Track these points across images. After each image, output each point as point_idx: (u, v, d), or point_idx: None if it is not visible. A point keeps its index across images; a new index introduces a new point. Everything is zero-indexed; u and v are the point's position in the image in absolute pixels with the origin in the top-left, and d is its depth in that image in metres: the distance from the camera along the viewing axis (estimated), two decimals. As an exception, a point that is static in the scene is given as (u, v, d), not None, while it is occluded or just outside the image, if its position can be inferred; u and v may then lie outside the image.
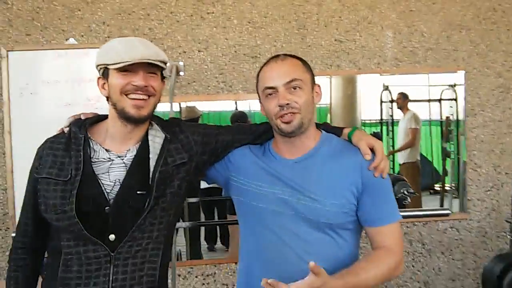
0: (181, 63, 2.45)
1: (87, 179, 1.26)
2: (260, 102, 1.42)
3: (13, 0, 2.51)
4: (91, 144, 1.33)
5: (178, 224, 2.22)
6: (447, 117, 2.80)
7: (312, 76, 1.40)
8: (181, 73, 2.46)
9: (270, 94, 1.33)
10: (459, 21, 2.65)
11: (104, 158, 1.31)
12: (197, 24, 2.57)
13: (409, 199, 2.55)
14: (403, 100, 2.80)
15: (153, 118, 1.40)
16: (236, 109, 2.67)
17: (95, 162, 1.30)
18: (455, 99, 2.74)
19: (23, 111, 2.51)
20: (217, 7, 2.57)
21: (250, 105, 2.65)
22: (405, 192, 2.54)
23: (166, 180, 1.31)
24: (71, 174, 1.26)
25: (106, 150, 1.32)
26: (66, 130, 1.36)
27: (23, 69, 2.51)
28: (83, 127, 1.34)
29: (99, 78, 1.35)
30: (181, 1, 2.56)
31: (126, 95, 1.27)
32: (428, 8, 2.63)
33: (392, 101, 2.82)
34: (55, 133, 1.40)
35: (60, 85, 2.55)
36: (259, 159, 1.42)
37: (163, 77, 1.41)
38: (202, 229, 2.82)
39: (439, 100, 2.83)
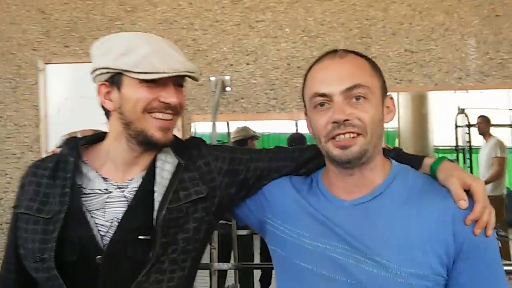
0: (227, 77, 2.22)
1: (74, 217, 1.00)
2: (306, 114, 1.10)
3: (50, 10, 2.38)
4: (84, 170, 1.07)
5: (217, 266, 1.95)
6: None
7: (383, 83, 1.06)
8: (228, 89, 2.23)
9: (320, 105, 1.00)
10: (559, 26, 2.21)
11: (100, 189, 1.05)
12: (245, 34, 2.31)
13: (499, 243, 2.14)
14: (485, 125, 2.43)
15: None
16: (297, 131, 2.37)
17: (88, 194, 1.05)
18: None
19: (61, 128, 2.36)
20: (267, 14, 2.30)
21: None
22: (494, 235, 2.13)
23: (178, 222, 1.04)
24: (54, 211, 1.00)
25: (103, 178, 1.06)
26: (58, 151, 1.12)
27: (61, 83, 2.39)
28: (75, 147, 1.08)
29: (101, 84, 1.07)
30: (227, 9, 2.32)
31: (149, 113, 1.03)
32: (519, 12, 2.22)
33: (469, 126, 2.45)
34: (45, 155, 1.17)
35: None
36: (303, 198, 1.10)
37: None
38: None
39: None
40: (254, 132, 2.46)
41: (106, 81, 1.05)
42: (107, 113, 1.10)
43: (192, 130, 2.30)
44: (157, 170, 1.07)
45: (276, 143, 2.39)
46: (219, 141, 2.22)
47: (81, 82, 2.42)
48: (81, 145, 1.11)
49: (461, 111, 2.46)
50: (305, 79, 1.10)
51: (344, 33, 2.27)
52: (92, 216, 1.03)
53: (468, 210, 0.94)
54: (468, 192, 0.96)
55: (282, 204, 1.13)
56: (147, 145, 1.06)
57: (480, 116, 2.44)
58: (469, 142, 2.51)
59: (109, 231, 1.02)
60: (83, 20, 2.38)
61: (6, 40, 2.38)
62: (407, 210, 0.98)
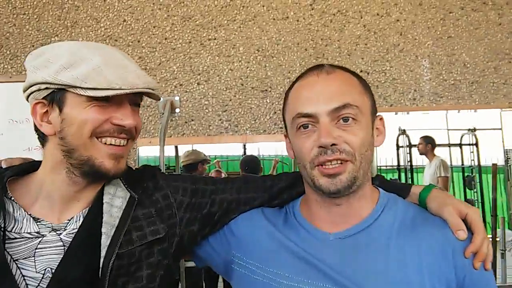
0: (176, 98, 2.10)
1: None
2: (287, 137, 0.99)
3: (-21, 23, 2.16)
4: (10, 209, 0.88)
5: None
6: (494, 164, 2.42)
7: (373, 102, 0.95)
8: (177, 110, 2.10)
9: (304, 127, 0.90)
10: (507, 49, 2.28)
11: (29, 233, 0.87)
12: (196, 52, 2.20)
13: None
14: (426, 145, 2.47)
15: None
16: (245, 153, 2.24)
17: (14, 239, 0.86)
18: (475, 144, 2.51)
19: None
20: (220, 32, 2.21)
21: (260, 149, 2.24)
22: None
23: (129, 269, 0.87)
24: None
25: (34, 219, 0.88)
26: None
27: (-12, 105, 2.15)
28: None
29: (37, 103, 0.89)
30: (177, 25, 2.21)
31: (98, 138, 0.87)
32: (470, 34, 2.27)
33: (410, 146, 2.48)
34: None
35: (32, 125, 2.19)
36: (279, 231, 0.97)
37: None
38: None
39: (460, 145, 2.56)
40: (204, 155, 2.32)
41: (43, 99, 0.88)
42: (43, 138, 0.92)
43: (136, 154, 2.12)
44: (105, 207, 0.90)
45: (229, 167, 2.26)
46: (166, 165, 2.05)
47: (11, 104, 2.20)
48: (7, 177, 0.91)
49: (403, 132, 2.47)
50: (286, 97, 0.99)
51: (299, 53, 2.21)
52: (18, 267, 0.84)
53: (467, 241, 0.87)
54: (465, 222, 0.89)
55: (254, 239, 0.99)
56: (94, 176, 0.89)
57: (422, 137, 2.46)
58: (410, 162, 2.53)
59: (41, 284, 0.83)
60: (15, 36, 2.18)
61: None
62: (400, 243, 0.88)
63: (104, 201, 0.91)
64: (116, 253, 0.85)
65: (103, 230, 0.87)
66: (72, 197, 0.91)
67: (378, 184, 1.00)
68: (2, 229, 0.85)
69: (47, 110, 0.88)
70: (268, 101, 2.17)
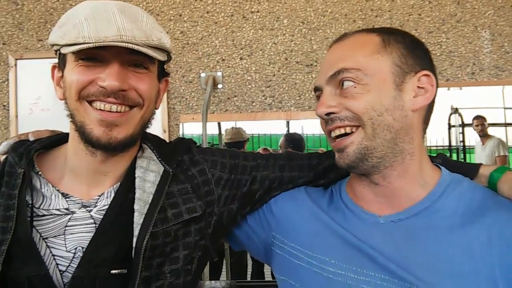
0: (219, 74, 2.11)
1: (21, 248, 0.79)
2: None
3: (23, 0, 2.24)
4: (37, 184, 0.86)
5: (209, 285, 1.80)
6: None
7: (403, 59, 0.85)
8: (219, 86, 2.11)
9: (318, 97, 0.91)
10: None
11: (58, 210, 0.85)
12: (239, 26, 2.19)
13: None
14: (483, 126, 2.37)
15: (146, 139, 0.94)
16: (288, 130, 2.22)
17: (43, 216, 0.84)
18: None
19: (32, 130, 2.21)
20: (263, 4, 2.19)
21: (303, 126, 2.21)
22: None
23: (164, 249, 0.84)
24: None
25: (63, 195, 0.86)
26: (2, 159, 0.91)
27: (33, 81, 2.23)
28: (26, 155, 0.86)
29: (54, 66, 0.88)
30: (219, -2, 2.20)
31: (88, 102, 0.82)
32: (536, 2, 2.14)
33: (463, 125, 2.38)
34: None
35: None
36: (324, 213, 0.92)
37: (163, 75, 0.94)
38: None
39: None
40: (245, 133, 2.32)
41: (58, 63, 0.88)
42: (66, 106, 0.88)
43: (180, 131, 2.15)
44: (137, 182, 0.87)
45: (267, 144, 2.25)
46: (209, 143, 2.08)
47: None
48: (34, 151, 0.89)
49: (455, 111, 2.37)
50: None
51: (347, 25, 2.16)
52: (48, 246, 0.82)
53: None
54: None
55: (296, 221, 0.94)
56: (92, 145, 0.84)
57: (478, 117, 2.36)
58: (463, 142, 2.42)
59: (72, 264, 0.82)
60: (60, 11, 2.24)
61: (-27, 33, 2.23)
62: (466, 230, 0.80)
63: (136, 175, 0.88)
64: (150, 232, 0.82)
65: (135, 207, 0.84)
66: (98, 171, 0.88)
67: (440, 162, 0.93)
68: (30, 205, 0.83)
69: (61, 75, 0.87)
70: (314, 76, 2.14)
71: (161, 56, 0.85)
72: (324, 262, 0.86)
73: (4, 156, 0.91)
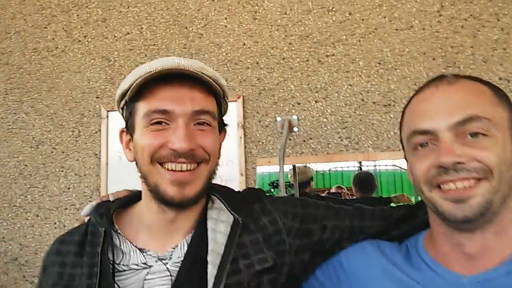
0: (294, 117, 2.18)
1: None
2: (406, 159, 0.92)
3: (115, 57, 2.51)
4: (116, 242, 0.92)
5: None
6: None
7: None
8: (295, 129, 2.17)
9: (422, 145, 0.83)
10: None
11: (136, 264, 0.90)
12: (314, 70, 2.27)
13: None
14: None
15: (214, 190, 0.97)
16: (360, 168, 2.21)
17: (123, 272, 0.89)
18: None
19: (121, 176, 2.40)
20: (338, 48, 2.26)
21: (376, 162, 2.16)
22: None
23: None
24: None
25: (140, 250, 0.91)
26: (85, 220, 1.00)
27: (122, 131, 2.44)
28: (106, 214, 0.94)
29: (122, 131, 0.97)
30: (295, 45, 2.31)
31: (160, 164, 0.89)
32: None
33: None
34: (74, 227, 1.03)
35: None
36: (398, 269, 0.89)
37: (223, 126, 0.99)
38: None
39: None
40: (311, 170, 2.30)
41: (126, 127, 0.97)
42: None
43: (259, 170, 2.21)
44: (209, 233, 0.90)
45: (338, 181, 2.22)
46: (287, 183, 2.11)
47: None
48: (113, 210, 0.98)
49: None
50: (402, 115, 0.94)
51: (426, 63, 2.16)
52: None
53: None
54: None
55: (367, 275, 0.92)
56: (166, 204, 0.90)
57: None
58: None
59: None
60: (146, 65, 2.47)
61: (71, 89, 2.53)
62: None
63: (208, 226, 0.92)
64: (223, 284, 0.84)
65: (209, 259, 0.87)
66: (170, 226, 0.93)
67: None
68: (111, 262, 0.88)
69: (129, 138, 0.95)
70: (392, 116, 2.13)
71: (216, 89, 0.92)
72: None
73: (88, 218, 1.00)
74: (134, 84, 0.88)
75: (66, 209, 2.44)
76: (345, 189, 2.18)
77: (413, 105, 0.89)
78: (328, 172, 2.22)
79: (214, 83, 0.91)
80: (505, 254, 0.81)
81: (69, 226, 2.42)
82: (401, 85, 2.16)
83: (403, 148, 0.94)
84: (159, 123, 0.88)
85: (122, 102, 0.95)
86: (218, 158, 0.97)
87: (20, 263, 2.42)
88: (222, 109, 1.00)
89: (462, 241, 0.83)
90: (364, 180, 2.16)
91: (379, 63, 2.21)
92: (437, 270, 0.86)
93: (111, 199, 1.03)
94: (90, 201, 2.41)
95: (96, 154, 2.45)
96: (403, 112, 0.94)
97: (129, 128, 0.94)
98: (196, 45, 2.42)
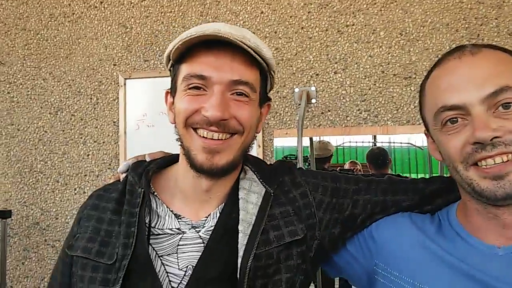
0: (312, 88, 2.17)
1: (139, 264, 0.86)
2: (429, 137, 0.91)
3: (132, 24, 2.50)
4: (154, 204, 0.94)
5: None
6: None
7: None
8: (313, 101, 2.18)
9: (451, 121, 0.81)
10: None
11: (170, 229, 0.91)
12: (333, 40, 2.24)
13: None
14: None
15: (247, 161, 0.98)
16: (374, 144, 2.19)
17: (157, 236, 0.91)
18: None
19: (139, 145, 2.44)
20: (359, 17, 2.22)
21: (391, 137, 2.16)
22: None
23: (267, 271, 0.87)
24: (117, 255, 0.87)
25: (175, 215, 0.93)
26: (122, 177, 1.00)
27: (140, 99, 2.47)
28: (145, 175, 0.95)
29: (167, 92, 0.98)
30: (314, 13, 2.27)
31: (194, 129, 0.89)
32: None
33: None
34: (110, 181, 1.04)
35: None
36: (431, 240, 0.89)
37: (266, 100, 0.98)
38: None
39: None
40: (331, 146, 2.30)
41: (170, 89, 0.97)
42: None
43: (275, 144, 2.24)
44: (240, 203, 0.91)
45: (352, 157, 2.23)
46: (305, 156, 2.13)
47: (160, 97, 2.53)
48: (152, 172, 0.98)
49: None
50: (422, 90, 0.91)
51: (449, 35, 2.12)
52: (162, 263, 0.89)
53: None
54: None
55: (399, 247, 0.92)
56: (196, 170, 0.90)
57: None
58: None
59: (182, 282, 0.87)
60: (164, 33, 2.47)
61: (88, 55, 2.53)
62: None
63: (239, 196, 0.93)
64: (254, 253, 0.86)
65: (240, 228, 0.88)
66: (205, 194, 0.94)
67: None
68: (147, 224, 0.90)
69: (172, 100, 0.95)
70: (413, 89, 2.12)
71: (258, 59, 0.90)
72: None
73: (124, 175, 1.01)
74: (174, 47, 0.89)
75: (85, 175, 2.49)
76: (359, 164, 2.19)
77: (436, 79, 0.86)
78: (342, 147, 2.22)
79: (256, 54, 0.89)
80: None
81: (89, 192, 2.48)
82: (422, 57, 2.13)
83: (425, 125, 0.91)
84: (197, 88, 0.88)
85: (169, 64, 0.96)
86: (256, 131, 0.96)
87: (42, 227, 2.50)
88: (267, 82, 0.99)
89: (497, 215, 0.82)
90: (377, 155, 2.17)
91: (400, 34, 2.17)
92: (471, 242, 0.85)
93: (147, 159, 1.04)
94: (109, 168, 2.46)
95: (114, 122, 2.48)
96: (423, 87, 0.91)
97: (172, 90, 0.95)
98: (213, 13, 2.40)
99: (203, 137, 0.87)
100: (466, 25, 2.11)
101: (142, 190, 0.93)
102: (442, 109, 0.81)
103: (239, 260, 0.85)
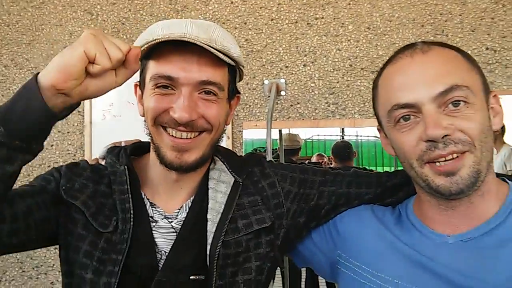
0: (282, 81, 2.18)
1: (139, 240, 0.90)
2: (382, 132, 0.94)
3: (98, 11, 2.44)
4: (136, 186, 0.96)
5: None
6: None
7: (484, 79, 0.86)
8: (282, 93, 2.19)
9: (404, 119, 0.83)
10: None
11: (151, 218, 0.94)
12: (303, 33, 2.26)
13: None
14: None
15: (217, 152, 1.01)
16: (342, 137, 2.24)
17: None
18: None
19: (105, 135, 2.40)
20: (328, 10, 2.24)
21: (358, 131, 2.21)
22: None
23: (237, 259, 0.90)
24: (116, 227, 0.90)
25: (151, 203, 0.96)
26: (103, 162, 1.03)
27: (106, 88, 2.41)
28: (123, 154, 0.98)
29: (136, 84, 0.98)
30: (283, 5, 2.28)
31: (163, 127, 0.91)
32: None
33: None
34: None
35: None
36: (389, 231, 0.93)
37: (234, 93, 1.00)
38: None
39: None
40: (300, 139, 2.33)
41: (139, 81, 0.97)
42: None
43: (245, 137, 2.25)
44: (210, 192, 0.95)
45: (320, 150, 2.27)
46: (274, 149, 2.15)
47: (127, 87, 2.49)
48: (130, 150, 1.02)
49: None
50: (375, 86, 0.93)
51: (415, 30, 2.17)
52: (155, 243, 0.92)
53: None
54: None
55: (360, 238, 0.96)
56: (166, 167, 0.92)
57: None
58: None
59: (158, 264, 0.91)
60: (131, 21, 2.42)
61: (52, 43, 2.46)
62: None
63: (209, 186, 0.96)
64: (222, 241, 0.89)
65: (208, 216, 0.92)
66: (175, 184, 0.96)
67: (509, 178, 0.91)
68: (141, 198, 0.95)
69: (141, 93, 0.96)
70: (379, 83, 2.16)
71: (225, 61, 0.91)
72: (389, 282, 0.87)
73: (104, 162, 1.03)
74: (141, 48, 0.87)
75: (49, 166, 2.44)
76: (326, 157, 2.23)
77: (389, 77, 0.88)
78: (310, 140, 2.25)
79: (224, 56, 0.90)
80: (488, 214, 0.84)
81: (53, 183, 2.43)
82: (389, 52, 2.17)
83: (378, 121, 0.94)
84: (165, 87, 0.88)
85: None
86: (226, 124, 0.98)
87: (5, 218, 2.43)
88: (236, 77, 1.01)
89: (448, 207, 0.86)
90: (342, 148, 2.22)
91: (368, 28, 2.21)
92: (423, 232, 0.89)
93: (123, 145, 1.07)
94: (74, 159, 2.42)
95: (79, 112, 2.43)
96: (376, 84, 0.93)
97: (141, 84, 0.96)
98: (182, 1, 2.37)
99: (172, 136, 0.89)
100: (432, 21, 2.16)
101: (125, 167, 0.95)
102: (396, 107, 0.84)
103: (208, 247, 0.89)
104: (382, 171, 1.09)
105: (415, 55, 0.85)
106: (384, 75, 0.90)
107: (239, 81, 1.04)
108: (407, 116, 0.83)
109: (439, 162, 0.81)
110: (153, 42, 0.86)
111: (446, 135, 0.79)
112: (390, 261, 0.89)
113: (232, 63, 0.94)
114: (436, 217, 0.88)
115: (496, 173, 0.91)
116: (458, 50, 0.88)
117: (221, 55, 0.88)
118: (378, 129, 0.97)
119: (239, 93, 1.05)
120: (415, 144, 0.82)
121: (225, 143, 2.20)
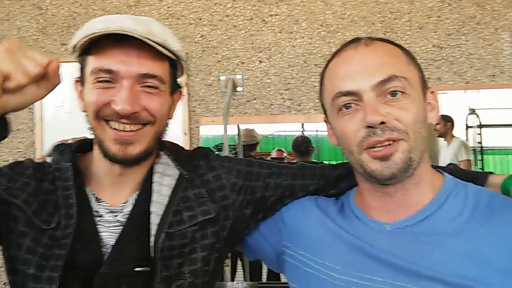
0: (238, 77, 2.20)
1: (83, 235, 0.90)
2: (328, 122, 0.98)
3: (47, 5, 2.37)
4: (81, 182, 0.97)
5: (231, 285, 1.91)
6: None
7: (422, 74, 0.92)
8: (239, 89, 2.21)
9: (346, 107, 0.87)
10: None
11: (96, 212, 0.95)
12: (258, 30, 2.29)
13: None
14: (444, 124, 2.33)
15: (163, 147, 1.02)
16: (302, 133, 2.30)
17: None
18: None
19: (57, 132, 2.34)
20: (282, 8, 2.28)
21: (318, 127, 2.28)
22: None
23: (182, 250, 0.92)
24: (59, 222, 0.90)
25: (96, 198, 0.97)
26: (48, 160, 1.02)
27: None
28: (68, 150, 0.98)
29: (76, 81, 0.97)
30: (238, 2, 2.30)
31: (105, 120, 0.91)
32: (559, 3, 2.19)
33: (481, 126, 2.39)
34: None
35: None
36: (332, 221, 0.97)
37: (176, 88, 1.02)
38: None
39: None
40: (257, 135, 2.38)
41: (79, 77, 0.97)
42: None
43: (201, 133, 2.26)
44: (154, 186, 0.96)
45: (281, 145, 2.32)
46: (231, 145, 2.17)
47: (79, 83, 2.47)
48: (75, 146, 1.02)
49: (472, 112, 2.36)
50: (322, 77, 0.97)
51: (366, 27, 2.24)
52: (99, 236, 0.92)
53: None
54: None
55: (305, 229, 0.99)
56: (110, 160, 0.93)
57: (441, 116, 2.29)
58: (481, 143, 2.43)
59: (104, 258, 0.91)
60: (83, 16, 2.36)
61: (-1, 38, 2.37)
62: (473, 232, 0.82)
63: (153, 180, 0.96)
64: (165, 232, 0.90)
65: (152, 209, 0.93)
66: (119, 178, 0.97)
67: (449, 171, 0.96)
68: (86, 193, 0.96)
69: (82, 89, 0.95)
70: (332, 79, 2.22)
71: (165, 54, 0.92)
72: (330, 268, 0.91)
73: (50, 159, 1.02)
74: (78, 43, 0.89)
75: (-2, 165, 2.35)
76: (286, 152, 2.28)
77: (334, 68, 0.92)
78: (272, 136, 2.29)
79: (163, 49, 0.91)
80: (423, 202, 0.89)
81: (3, 183, 2.35)
82: (342, 48, 2.23)
83: (324, 113, 0.98)
84: (106, 81, 0.89)
85: (75, 54, 0.95)
86: (169, 117, 1.00)
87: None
88: (177, 71, 1.01)
89: (385, 194, 0.90)
90: (301, 143, 2.28)
91: (321, 25, 2.26)
92: (363, 220, 0.94)
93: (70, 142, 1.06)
94: (24, 157, 2.34)
95: (29, 109, 2.35)
96: (322, 76, 0.97)
97: (81, 79, 0.95)
98: (135, -4, 2.34)
99: (115, 129, 0.90)
100: (382, 19, 2.24)
101: (69, 164, 0.95)
102: (339, 95, 0.88)
103: (152, 238, 0.90)
104: (326, 163, 1.13)
105: (358, 47, 0.90)
106: (329, 67, 0.95)
107: (181, 75, 1.04)
108: (348, 104, 0.87)
109: (375, 147, 0.85)
110: (91, 36, 0.86)
111: (383, 122, 0.83)
112: (332, 249, 0.93)
113: (173, 56, 0.95)
114: (374, 204, 0.93)
115: (432, 165, 0.96)
116: (399, 46, 0.93)
117: (160, 48, 0.89)
118: (325, 121, 1.01)
119: (181, 87, 1.05)
120: (355, 130, 0.86)
121: (183, 139, 2.20)
